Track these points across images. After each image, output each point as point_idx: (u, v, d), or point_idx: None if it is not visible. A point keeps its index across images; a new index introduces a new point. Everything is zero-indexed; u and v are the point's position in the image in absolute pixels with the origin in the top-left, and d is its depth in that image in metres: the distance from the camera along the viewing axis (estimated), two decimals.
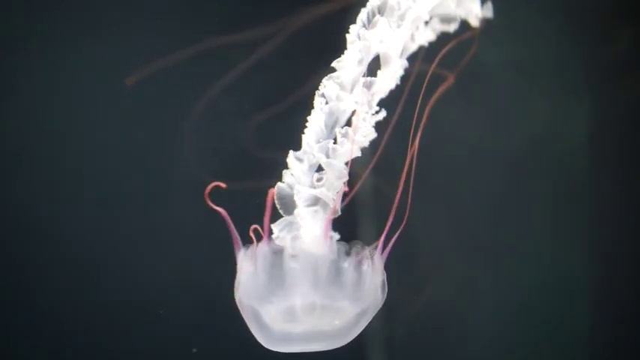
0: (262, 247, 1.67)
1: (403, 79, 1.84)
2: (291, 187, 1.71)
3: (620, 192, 2.43)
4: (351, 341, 1.76)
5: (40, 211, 2.27)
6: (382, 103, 1.81)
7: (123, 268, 2.30)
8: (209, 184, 1.71)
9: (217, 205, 1.68)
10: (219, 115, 2.25)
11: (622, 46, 2.38)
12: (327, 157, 1.70)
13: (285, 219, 1.70)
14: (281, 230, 1.69)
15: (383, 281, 1.70)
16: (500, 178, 2.43)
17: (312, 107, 1.73)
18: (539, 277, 2.45)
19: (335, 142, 1.73)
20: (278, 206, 1.71)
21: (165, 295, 2.30)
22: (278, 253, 1.66)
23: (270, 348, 1.69)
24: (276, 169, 1.74)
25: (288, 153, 1.72)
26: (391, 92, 1.81)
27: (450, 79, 2.01)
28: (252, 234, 1.68)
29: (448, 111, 2.29)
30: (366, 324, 1.71)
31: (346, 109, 1.73)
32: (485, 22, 2.03)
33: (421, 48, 1.90)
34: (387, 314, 1.77)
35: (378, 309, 1.72)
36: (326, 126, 1.73)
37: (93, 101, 2.26)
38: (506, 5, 2.28)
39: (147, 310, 2.30)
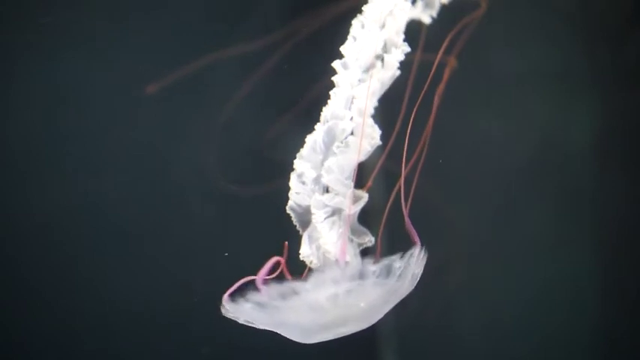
0: (265, 290, 1.68)
1: (407, 77, 1.86)
2: (300, 205, 1.74)
3: (626, 195, 2.43)
4: (362, 336, 1.77)
5: (56, 215, 2.29)
6: (386, 103, 1.83)
7: (139, 275, 2.32)
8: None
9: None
10: (235, 120, 2.27)
11: (630, 51, 2.39)
12: (328, 172, 1.73)
13: (306, 236, 1.72)
14: (308, 248, 1.71)
15: (415, 274, 1.70)
16: (508, 180, 2.44)
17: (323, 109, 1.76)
18: (545, 277, 2.46)
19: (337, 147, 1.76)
20: (295, 224, 1.74)
21: (180, 298, 2.32)
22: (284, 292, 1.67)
23: (304, 342, 1.69)
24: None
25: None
26: (397, 90, 1.83)
27: (452, 62, 2.02)
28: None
29: (457, 113, 2.31)
30: (392, 306, 1.72)
31: (345, 127, 1.75)
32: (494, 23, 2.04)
33: (422, 37, 1.91)
34: (397, 310, 1.77)
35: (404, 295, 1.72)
36: (325, 143, 1.75)
37: (112, 108, 2.28)
38: (515, 9, 2.30)
39: (171, 321, 2.33)
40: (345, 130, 1.74)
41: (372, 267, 1.63)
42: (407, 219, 1.71)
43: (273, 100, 2.31)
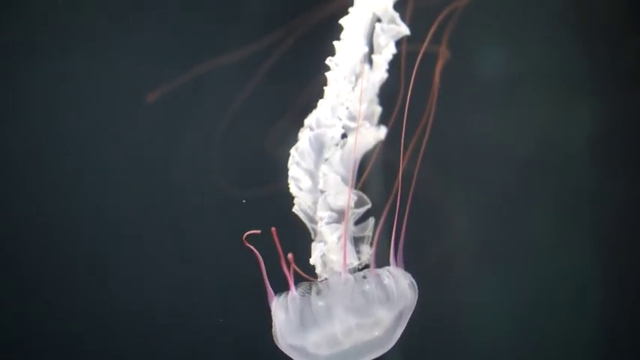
0: (292, 294, 1.70)
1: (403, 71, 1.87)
2: (303, 209, 1.75)
3: (626, 195, 2.43)
4: None
5: (56, 215, 2.29)
6: (382, 99, 1.83)
7: (142, 276, 2.32)
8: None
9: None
10: (235, 122, 2.27)
11: (630, 51, 2.39)
12: (325, 177, 1.74)
13: (317, 246, 1.74)
14: (317, 258, 1.73)
15: (410, 282, 1.74)
16: (508, 180, 2.44)
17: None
18: (545, 277, 2.46)
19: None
20: (309, 228, 1.76)
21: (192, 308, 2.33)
22: (305, 294, 1.70)
23: None
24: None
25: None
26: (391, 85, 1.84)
27: (444, 53, 2.02)
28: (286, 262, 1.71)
29: (456, 113, 2.31)
30: (405, 323, 1.75)
31: (334, 134, 1.76)
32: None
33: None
34: None
35: (413, 307, 1.76)
36: (314, 150, 1.76)
37: (112, 109, 2.28)
38: (517, 11, 2.29)
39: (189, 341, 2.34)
40: (334, 137, 1.76)
41: (366, 284, 1.67)
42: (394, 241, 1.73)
43: (273, 101, 2.31)
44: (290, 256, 1.67)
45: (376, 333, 1.70)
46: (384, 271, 1.71)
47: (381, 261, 1.77)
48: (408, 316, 1.75)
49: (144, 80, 2.25)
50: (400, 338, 2.33)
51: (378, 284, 1.69)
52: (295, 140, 1.81)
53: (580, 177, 2.46)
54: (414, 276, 1.77)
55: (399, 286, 1.70)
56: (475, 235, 2.46)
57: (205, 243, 2.33)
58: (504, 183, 2.44)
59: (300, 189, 1.76)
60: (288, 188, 1.78)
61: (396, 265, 1.75)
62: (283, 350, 1.74)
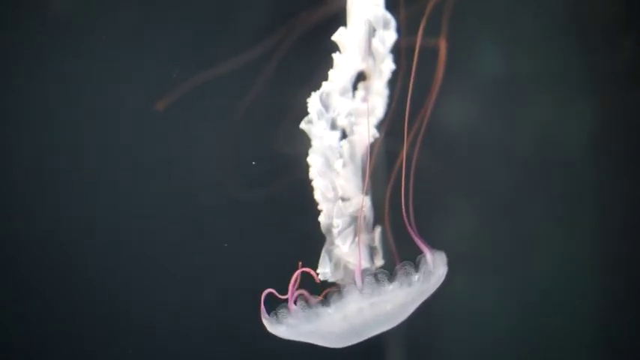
0: (292, 308, 1.71)
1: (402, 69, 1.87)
2: (326, 218, 1.77)
3: (626, 195, 2.43)
4: (368, 339, 1.79)
5: (63, 223, 2.30)
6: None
7: (148, 280, 2.33)
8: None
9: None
10: (238, 124, 2.27)
11: (630, 51, 2.39)
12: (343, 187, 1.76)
13: (328, 256, 1.74)
14: (325, 267, 1.74)
15: (443, 273, 1.73)
16: (508, 180, 2.44)
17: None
18: (545, 277, 2.46)
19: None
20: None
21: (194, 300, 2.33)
22: (312, 307, 1.70)
23: (336, 347, 1.72)
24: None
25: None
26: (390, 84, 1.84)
27: (442, 43, 2.02)
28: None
29: (458, 114, 2.31)
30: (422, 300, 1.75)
31: (330, 142, 1.77)
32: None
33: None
34: None
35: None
36: (325, 162, 1.78)
37: (115, 116, 2.29)
38: (517, 10, 2.29)
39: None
40: (331, 145, 1.77)
41: (390, 284, 1.66)
42: (412, 230, 1.73)
43: (273, 101, 2.31)
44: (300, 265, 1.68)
45: (388, 307, 1.69)
46: (414, 269, 1.69)
47: (388, 263, 1.77)
48: (423, 299, 1.75)
49: (146, 82, 2.25)
50: (400, 337, 2.34)
51: (404, 282, 1.67)
52: (296, 141, 1.81)
53: (580, 177, 2.46)
54: None
55: (427, 279, 1.69)
56: (475, 235, 2.46)
57: (205, 243, 2.33)
58: (504, 182, 2.45)
59: (322, 198, 1.77)
60: (290, 189, 1.78)
61: (430, 252, 1.73)
62: (288, 339, 1.73)
